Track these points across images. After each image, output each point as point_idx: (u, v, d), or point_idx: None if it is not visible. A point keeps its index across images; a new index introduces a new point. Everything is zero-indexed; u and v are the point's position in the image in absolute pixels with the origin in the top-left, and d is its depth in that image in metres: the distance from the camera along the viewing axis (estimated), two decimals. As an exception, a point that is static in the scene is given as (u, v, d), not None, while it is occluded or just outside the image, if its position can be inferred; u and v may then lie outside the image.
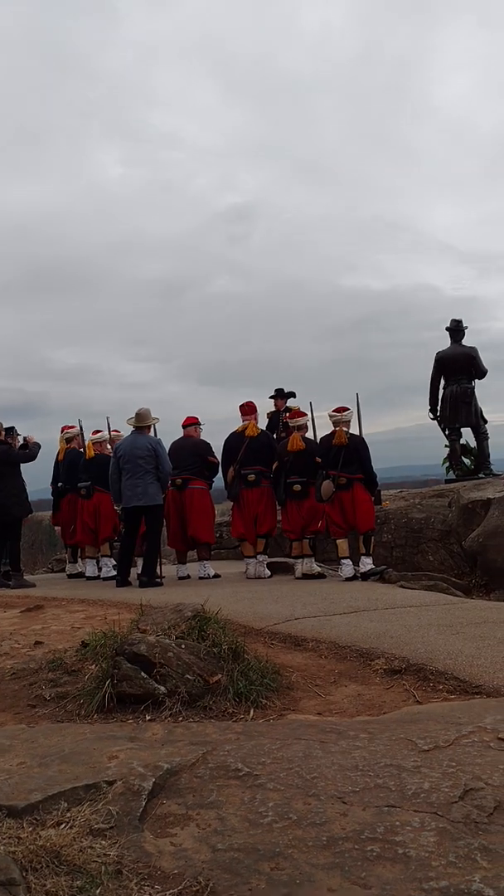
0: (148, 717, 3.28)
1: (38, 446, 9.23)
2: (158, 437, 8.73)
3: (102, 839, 2.05)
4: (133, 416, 8.43)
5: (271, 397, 10.80)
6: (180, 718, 3.27)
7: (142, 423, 8.41)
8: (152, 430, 8.66)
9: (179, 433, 9.14)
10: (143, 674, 3.47)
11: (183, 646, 3.76)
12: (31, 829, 2.08)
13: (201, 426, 9.18)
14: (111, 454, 8.90)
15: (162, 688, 3.42)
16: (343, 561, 8.04)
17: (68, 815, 2.18)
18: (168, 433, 9.14)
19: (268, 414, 10.62)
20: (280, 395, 10.70)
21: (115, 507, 8.79)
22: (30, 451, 9.16)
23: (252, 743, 2.77)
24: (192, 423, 9.11)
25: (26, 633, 5.28)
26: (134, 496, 8.16)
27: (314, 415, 9.01)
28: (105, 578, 9.07)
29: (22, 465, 9.19)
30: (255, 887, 1.82)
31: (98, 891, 1.78)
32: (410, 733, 2.81)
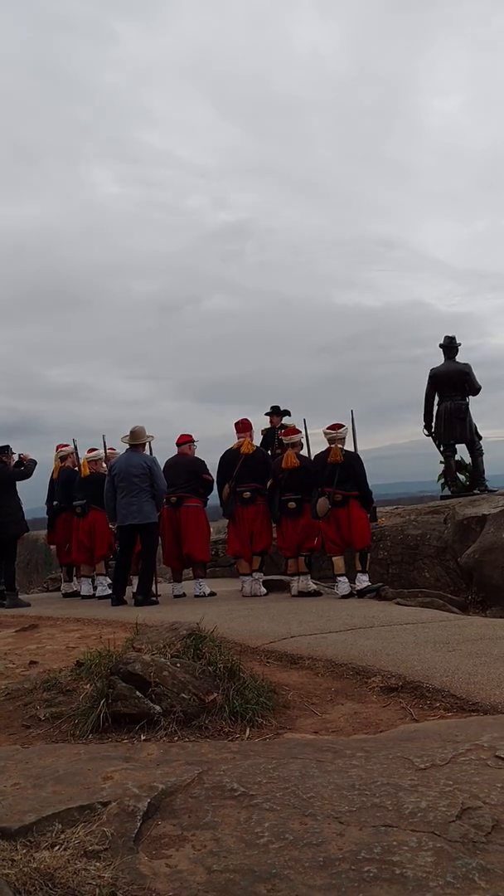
0: (143, 737, 3.25)
1: (34, 463, 9.22)
2: (154, 454, 8.73)
3: (97, 861, 2.03)
4: (128, 434, 8.43)
5: (267, 414, 10.83)
6: (176, 738, 3.24)
7: (136, 441, 8.41)
8: (147, 447, 8.66)
9: (174, 451, 9.14)
10: (138, 693, 3.45)
11: (178, 664, 3.74)
12: (24, 850, 2.06)
13: (195, 443, 9.19)
14: (106, 472, 8.89)
15: (157, 707, 3.40)
16: (339, 578, 8.02)
17: (62, 836, 2.16)
18: (163, 451, 9.14)
19: (262, 431, 10.63)
20: (276, 413, 10.73)
21: (111, 526, 8.77)
22: (25, 468, 9.15)
23: (248, 762, 2.75)
24: (186, 440, 9.11)
25: (21, 653, 5.25)
26: (129, 514, 8.14)
27: (308, 432, 9.03)
28: (100, 597, 9.03)
29: (18, 483, 9.18)
30: (251, 909, 1.80)
31: (92, 914, 1.76)
32: (407, 752, 2.79)
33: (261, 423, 10.71)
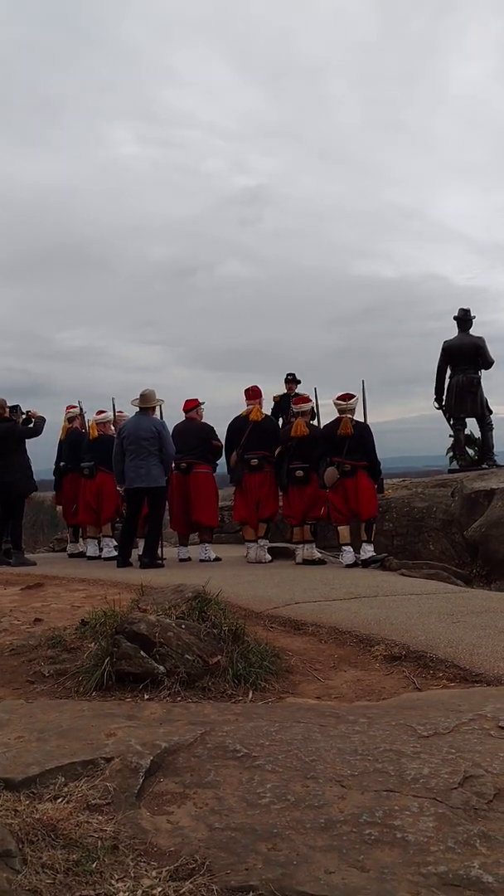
0: (146, 696, 3.27)
1: (43, 420, 9.19)
2: (163, 420, 8.71)
3: (99, 814, 2.04)
4: (137, 397, 8.40)
5: (286, 380, 10.77)
6: (179, 698, 3.26)
7: (146, 404, 8.37)
8: (157, 411, 8.63)
9: (183, 417, 9.11)
10: (142, 653, 3.46)
11: (183, 626, 3.74)
12: (28, 802, 2.07)
13: (202, 406, 9.15)
14: (115, 435, 8.88)
15: (161, 667, 3.41)
16: (344, 548, 8.03)
17: (65, 789, 2.17)
18: (174, 417, 9.11)
19: (274, 397, 10.59)
20: (294, 380, 10.69)
21: (118, 488, 8.78)
22: (34, 425, 9.14)
23: (251, 724, 2.76)
24: (193, 406, 9.08)
25: (26, 611, 5.28)
26: (137, 477, 8.14)
27: (318, 401, 8.97)
28: (106, 559, 9.07)
29: (28, 441, 9.17)
30: (251, 867, 1.81)
31: (94, 865, 1.77)
32: (410, 719, 2.79)
33: (270, 391, 10.66)
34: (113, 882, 1.72)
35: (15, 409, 9.15)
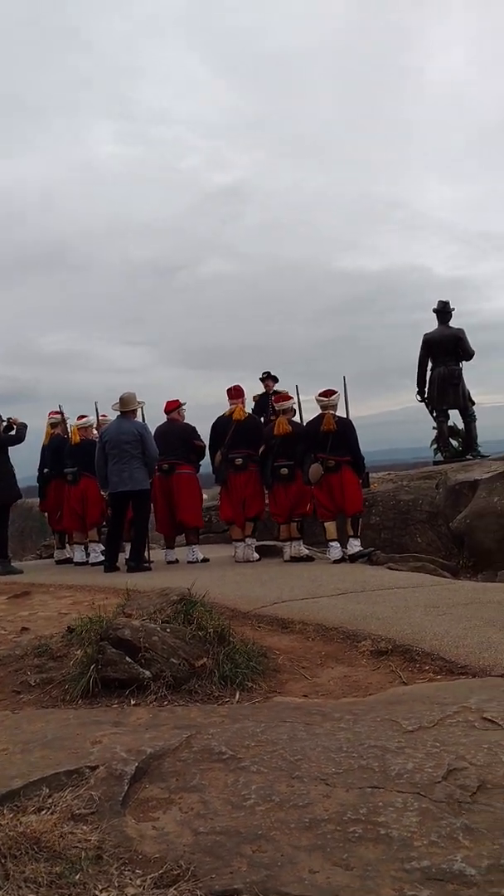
0: (133, 702, 3.26)
1: (25, 426, 9.13)
2: (147, 421, 8.68)
3: (83, 824, 2.03)
4: (117, 401, 8.37)
5: (261, 379, 10.77)
6: (165, 702, 3.25)
7: (126, 407, 8.34)
8: (139, 413, 8.60)
9: (165, 418, 9.10)
10: (127, 658, 3.45)
11: (168, 630, 3.74)
12: (11, 815, 2.06)
13: (184, 407, 9.14)
14: (97, 439, 8.84)
15: (147, 672, 3.41)
16: (331, 543, 8.03)
17: (50, 800, 2.17)
18: (157, 419, 9.08)
19: (254, 397, 10.59)
20: (269, 378, 10.68)
21: (102, 493, 8.75)
22: (17, 432, 9.07)
23: (237, 726, 2.76)
24: (174, 407, 9.05)
25: (13, 620, 5.25)
26: (120, 481, 8.11)
27: (300, 398, 8.98)
28: (93, 564, 9.04)
29: (10, 448, 9.11)
30: (236, 870, 1.81)
31: (77, 876, 1.76)
32: (395, 714, 2.80)
33: (253, 389, 10.67)
34: (97, 893, 1.71)
35: (-6, 416, 9.09)
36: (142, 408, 8.65)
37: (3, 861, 1.79)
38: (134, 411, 8.45)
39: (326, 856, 1.85)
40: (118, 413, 8.42)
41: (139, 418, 8.59)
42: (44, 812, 2.08)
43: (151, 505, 8.74)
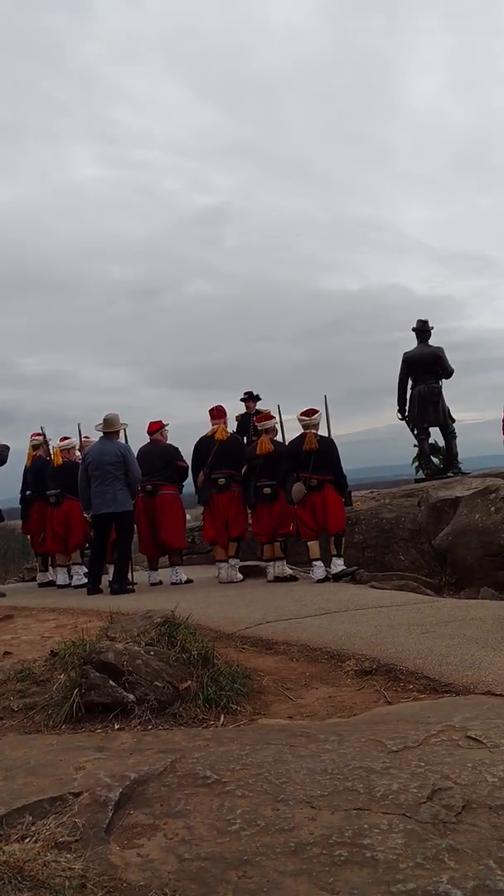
0: (117, 726, 3.24)
1: (7, 448, 9.08)
2: (130, 442, 8.68)
3: (67, 852, 2.01)
4: (101, 422, 8.37)
5: (242, 399, 10.81)
6: (149, 726, 3.23)
7: (110, 428, 8.34)
8: (122, 435, 8.60)
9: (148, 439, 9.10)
10: (111, 682, 3.43)
11: (152, 652, 3.72)
12: (-6, 844, 2.04)
13: (167, 428, 9.15)
14: (80, 461, 8.82)
15: (131, 696, 3.39)
16: (314, 563, 8.04)
17: (33, 828, 2.14)
18: (140, 439, 9.08)
19: (236, 417, 10.61)
20: (251, 398, 10.71)
21: (85, 514, 8.70)
22: None
23: (221, 749, 2.74)
24: (157, 428, 9.06)
25: (-5, 644, 5.21)
26: (103, 503, 8.09)
27: (282, 417, 9.02)
28: (76, 586, 8.98)
29: None
30: (222, 896, 1.80)
31: (62, 906, 1.75)
32: (380, 734, 2.80)
33: (236, 409, 10.70)
34: (81, 922, 1.70)
35: (-24, 438, 9.04)
36: (125, 429, 8.65)
37: (-15, 892, 1.77)
38: (117, 432, 8.45)
39: (312, 880, 1.84)
40: (101, 434, 8.42)
41: (121, 440, 8.58)
42: (27, 840, 2.06)
43: (135, 526, 8.72)
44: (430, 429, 11.26)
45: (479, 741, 2.63)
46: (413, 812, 2.13)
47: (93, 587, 8.23)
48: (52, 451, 9.59)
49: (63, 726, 3.30)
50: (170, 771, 2.54)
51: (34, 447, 9.92)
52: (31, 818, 2.21)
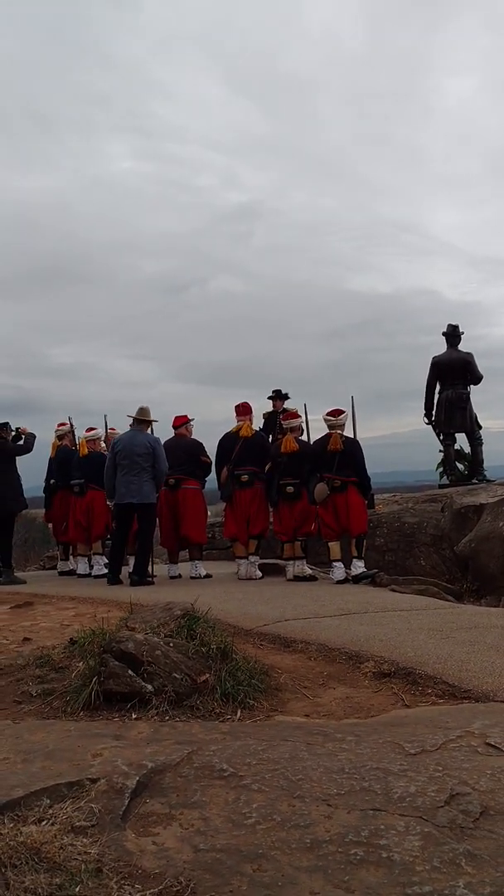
0: (134, 716, 3.25)
1: (33, 436, 9.18)
2: (155, 435, 8.72)
3: (84, 837, 2.02)
4: (136, 411, 8.44)
5: (269, 398, 10.80)
6: (167, 717, 3.24)
7: (144, 416, 8.43)
8: (150, 430, 8.66)
9: (173, 433, 9.13)
10: (130, 672, 3.44)
11: (171, 644, 3.73)
12: (11, 824, 2.05)
13: (192, 423, 9.17)
14: (105, 452, 8.87)
15: (149, 686, 3.40)
16: (335, 564, 8.02)
17: (50, 811, 2.16)
18: (164, 433, 9.13)
19: (264, 415, 10.60)
20: (278, 396, 10.70)
21: (108, 503, 8.75)
22: (25, 442, 9.12)
23: (238, 743, 2.74)
24: (182, 422, 9.10)
25: (15, 630, 5.25)
26: (128, 492, 8.13)
27: (308, 417, 9.00)
28: (96, 576, 9.04)
29: (18, 459, 9.15)
30: (236, 888, 1.80)
31: (77, 889, 1.75)
32: (398, 737, 2.79)
33: (262, 407, 10.69)
34: (96, 906, 1.70)
35: (5, 426, 9.14)
36: (152, 426, 8.71)
37: (3, 870, 1.78)
38: (149, 423, 8.52)
39: (328, 877, 1.84)
40: (132, 423, 8.47)
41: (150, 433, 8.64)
42: (44, 823, 2.07)
43: (157, 519, 8.76)
44: (457, 435, 11.17)
45: (498, 748, 2.61)
46: (430, 815, 2.11)
47: (113, 577, 8.29)
48: (77, 442, 9.67)
49: (81, 713, 3.31)
50: (186, 762, 2.54)
51: (59, 437, 10.00)
52: (48, 801, 2.22)
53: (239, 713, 3.37)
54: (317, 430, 8.80)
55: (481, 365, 11.11)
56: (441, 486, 11.06)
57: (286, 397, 10.69)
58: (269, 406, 10.77)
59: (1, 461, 8.86)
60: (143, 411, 8.41)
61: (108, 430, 9.75)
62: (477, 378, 11.03)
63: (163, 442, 8.87)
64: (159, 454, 8.23)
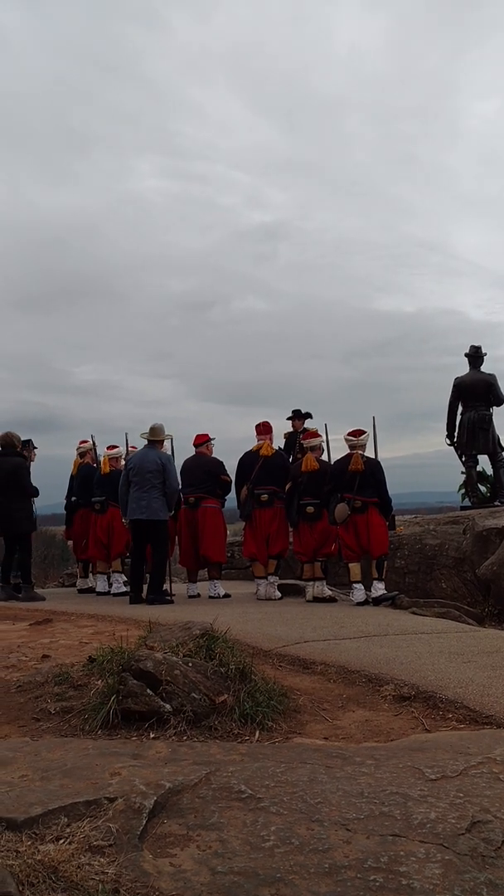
0: (152, 735, 3.24)
1: (37, 492, 9.21)
2: (175, 453, 8.75)
3: (101, 856, 2.01)
4: (147, 430, 8.47)
5: (289, 418, 10.80)
6: (185, 737, 3.23)
7: (154, 437, 8.44)
8: (166, 446, 8.68)
9: (194, 451, 9.16)
10: (148, 691, 3.44)
11: (190, 664, 3.72)
12: (29, 842, 2.05)
13: (212, 442, 9.19)
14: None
15: (167, 706, 3.39)
16: (355, 585, 7.97)
17: (68, 830, 2.15)
18: (186, 451, 9.17)
19: (285, 434, 10.61)
20: (298, 416, 10.70)
21: (123, 521, 8.78)
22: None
23: (256, 765, 2.72)
24: (203, 441, 9.12)
25: (34, 647, 5.26)
26: (137, 509, 8.15)
27: (329, 437, 8.99)
28: (115, 594, 9.05)
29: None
30: (254, 913, 1.78)
31: (94, 909, 1.75)
32: (418, 761, 2.75)
33: (283, 426, 10.69)
34: (113, 926, 1.69)
35: (27, 443, 9.22)
36: (171, 440, 8.73)
37: (21, 888, 1.78)
38: (161, 442, 8.54)
39: (346, 903, 1.81)
40: (146, 441, 8.51)
41: (167, 450, 8.66)
42: (62, 841, 2.07)
43: (176, 538, 8.76)
44: (479, 456, 11.10)
45: (520, 776, 2.57)
46: (451, 843, 2.08)
47: (135, 596, 8.27)
48: (99, 460, 9.72)
49: (99, 731, 3.31)
50: (204, 783, 2.53)
51: (81, 454, 10.06)
52: (66, 819, 2.21)
53: (257, 734, 3.35)
54: (338, 450, 8.80)
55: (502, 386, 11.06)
56: (463, 508, 10.98)
57: (307, 416, 10.68)
58: (289, 426, 10.78)
59: (19, 480, 8.88)
60: (154, 430, 8.45)
61: (129, 448, 9.81)
62: (500, 400, 10.97)
63: (183, 460, 8.90)
64: (170, 471, 8.25)
